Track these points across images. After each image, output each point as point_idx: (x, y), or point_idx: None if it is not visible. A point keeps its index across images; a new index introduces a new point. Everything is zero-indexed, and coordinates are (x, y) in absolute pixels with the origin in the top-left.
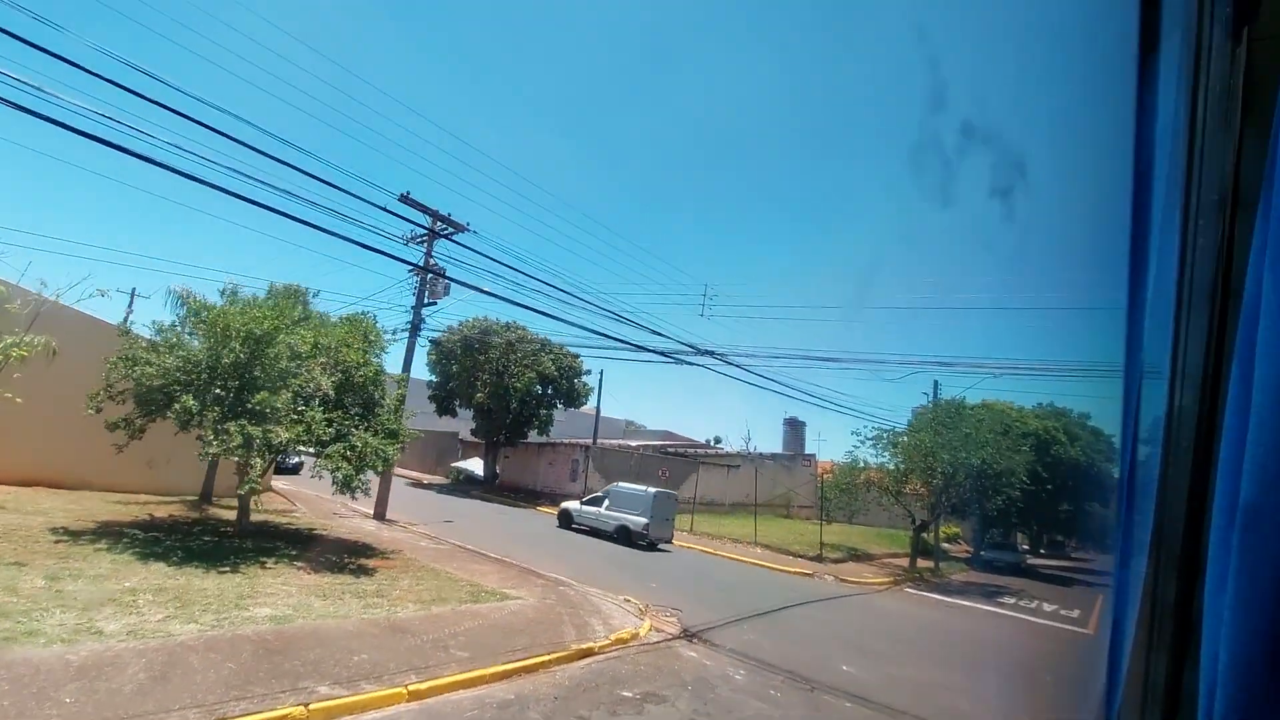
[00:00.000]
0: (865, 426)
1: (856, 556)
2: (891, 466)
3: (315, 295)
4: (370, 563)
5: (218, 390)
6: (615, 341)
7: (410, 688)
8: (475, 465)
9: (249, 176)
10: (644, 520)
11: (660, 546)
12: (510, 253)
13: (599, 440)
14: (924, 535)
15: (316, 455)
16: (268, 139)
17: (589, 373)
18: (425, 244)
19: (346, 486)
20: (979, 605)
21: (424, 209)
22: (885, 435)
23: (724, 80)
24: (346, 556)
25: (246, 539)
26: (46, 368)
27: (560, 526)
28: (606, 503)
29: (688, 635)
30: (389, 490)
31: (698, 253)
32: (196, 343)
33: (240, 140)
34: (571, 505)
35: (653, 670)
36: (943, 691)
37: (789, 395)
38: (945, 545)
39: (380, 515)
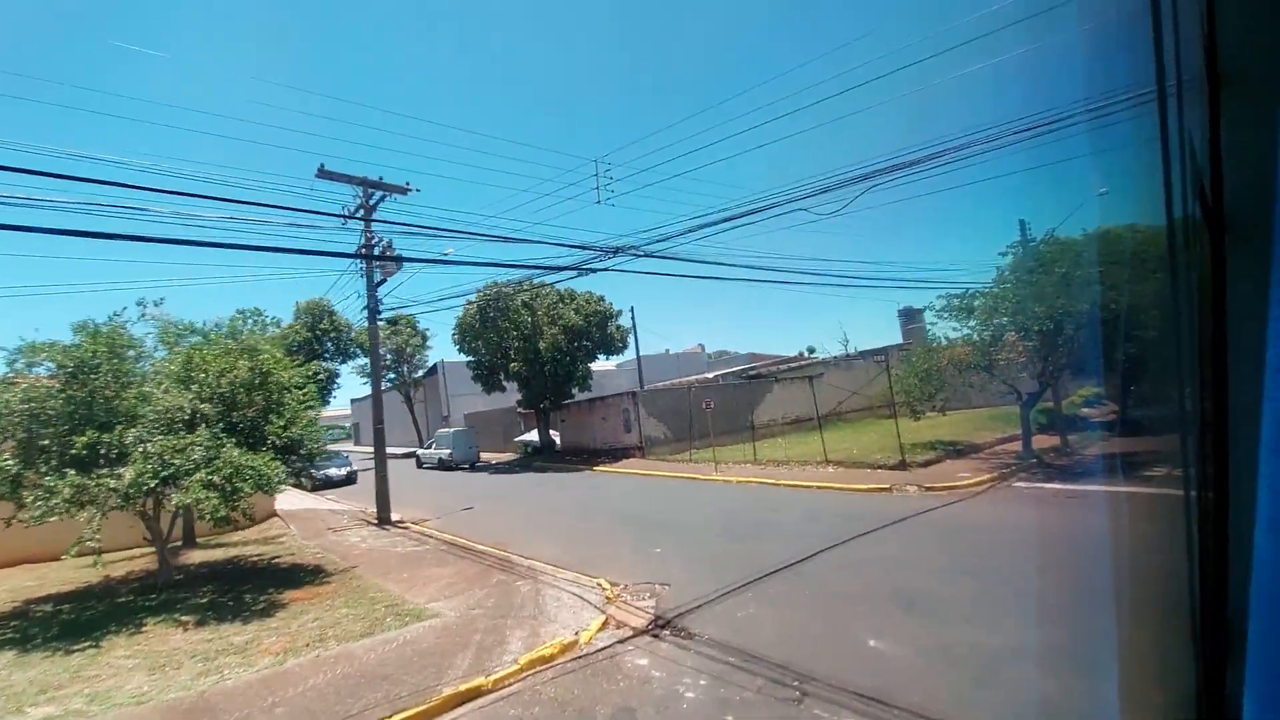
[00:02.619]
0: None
1: (958, 451)
2: (976, 337)
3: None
4: (292, 595)
5: (44, 441)
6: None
7: None
8: (536, 435)
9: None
10: (449, 451)
11: (719, 474)
12: (458, 210)
13: (647, 384)
14: (1039, 409)
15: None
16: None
17: (620, 313)
18: (363, 220)
19: (222, 521)
20: (1114, 487)
21: (348, 179)
22: (959, 299)
23: None
24: (271, 590)
25: (164, 591)
26: None
27: (419, 468)
28: (434, 444)
29: (657, 626)
30: (388, 487)
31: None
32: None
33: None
34: (419, 451)
35: (554, 708)
36: (1017, 662)
37: (793, 285)
38: (1086, 410)
39: (385, 519)
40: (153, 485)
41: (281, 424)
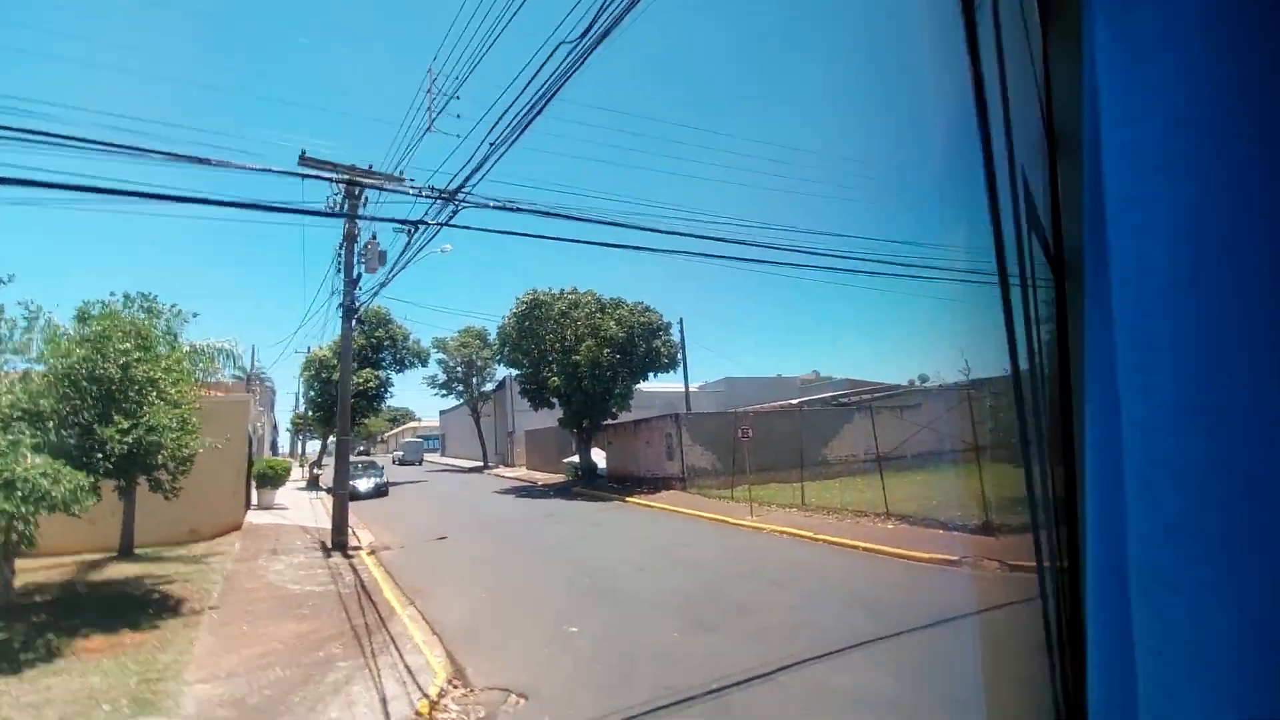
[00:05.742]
0: None
1: None
2: None
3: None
4: (94, 642)
5: None
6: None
7: None
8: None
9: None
10: (401, 454)
11: (752, 519)
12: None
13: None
14: None
15: None
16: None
17: (669, 326)
18: (346, 206)
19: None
20: None
21: (334, 166)
22: None
23: None
24: (84, 631)
25: None
26: None
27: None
28: (399, 450)
29: None
30: (346, 510)
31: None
32: None
33: None
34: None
35: None
36: None
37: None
38: None
39: (340, 543)
40: None
41: (125, 425)
